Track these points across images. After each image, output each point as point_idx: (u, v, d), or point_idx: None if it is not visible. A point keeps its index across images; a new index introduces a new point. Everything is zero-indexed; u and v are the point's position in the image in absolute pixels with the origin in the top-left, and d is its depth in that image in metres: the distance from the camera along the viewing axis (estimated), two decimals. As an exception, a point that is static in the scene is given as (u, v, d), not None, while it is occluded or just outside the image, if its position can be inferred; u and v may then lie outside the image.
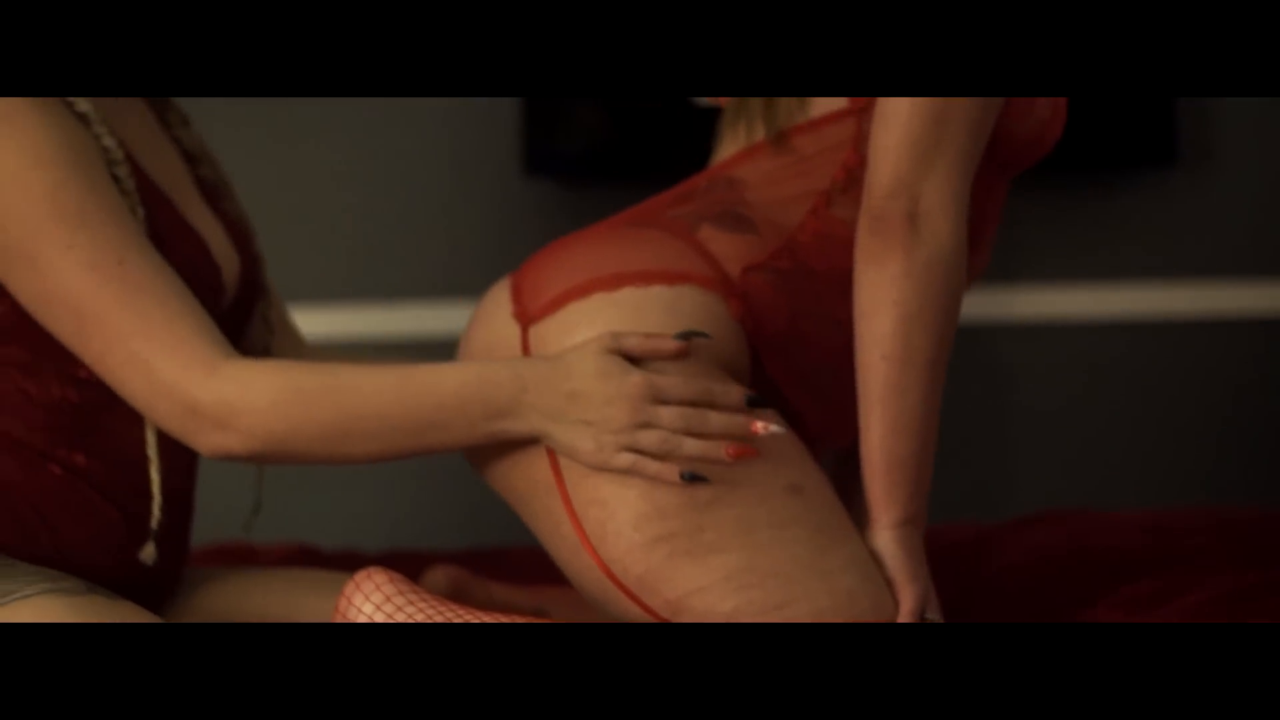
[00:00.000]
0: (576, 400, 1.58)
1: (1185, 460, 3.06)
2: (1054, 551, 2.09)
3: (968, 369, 2.92)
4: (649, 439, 1.57)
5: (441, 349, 2.96)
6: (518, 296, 1.68)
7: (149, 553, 1.72)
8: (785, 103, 1.71)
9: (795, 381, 1.68)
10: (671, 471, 1.56)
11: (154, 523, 1.73)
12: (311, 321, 2.85)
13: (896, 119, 1.59)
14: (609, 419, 1.57)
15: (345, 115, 3.04)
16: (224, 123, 2.90)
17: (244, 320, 1.86)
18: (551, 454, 1.60)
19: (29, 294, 1.63)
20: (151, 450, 1.73)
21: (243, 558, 2.31)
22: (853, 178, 1.67)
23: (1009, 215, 2.80)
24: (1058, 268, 3.06)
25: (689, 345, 1.60)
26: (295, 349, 2.02)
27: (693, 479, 1.55)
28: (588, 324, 1.62)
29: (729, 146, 1.80)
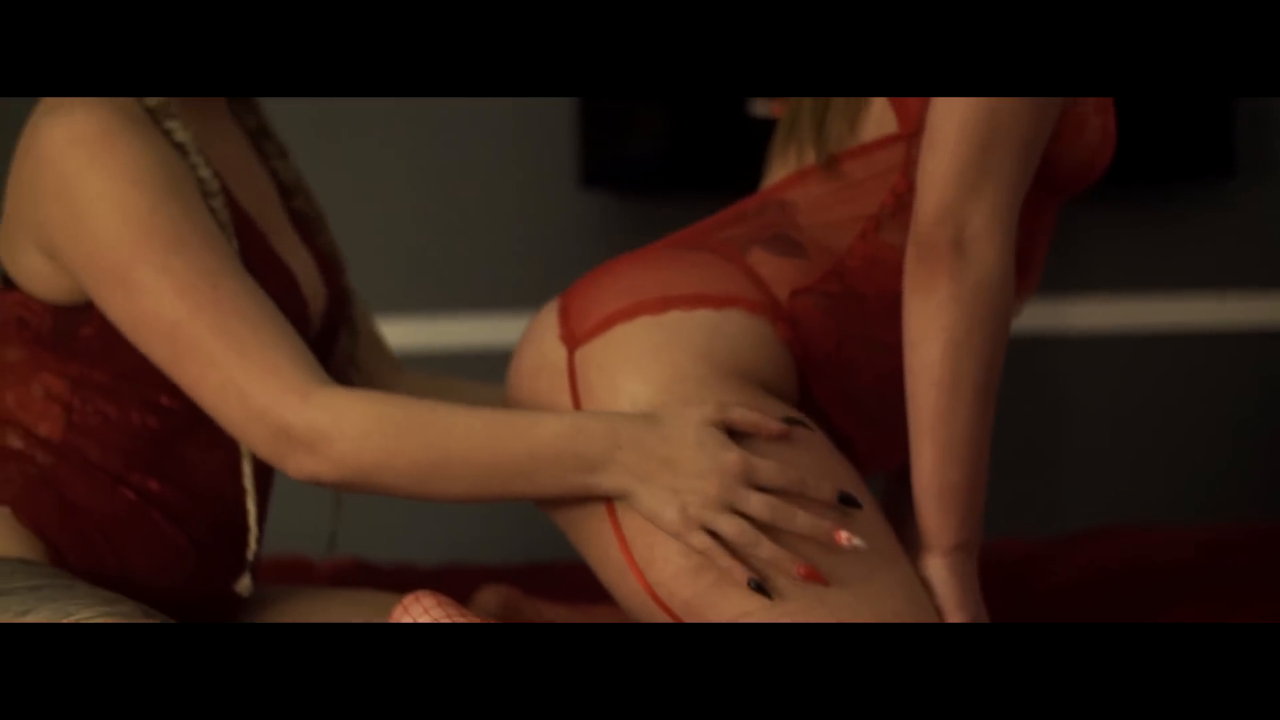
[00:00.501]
0: (670, 467, 1.55)
1: (1242, 474, 3.04)
2: (1107, 568, 2.08)
3: (1021, 381, 2.91)
4: (730, 527, 1.54)
5: (498, 361, 2.98)
6: (565, 319, 1.69)
7: (245, 585, 1.74)
8: (836, 127, 1.72)
9: (843, 405, 1.68)
10: (740, 573, 1.54)
11: (250, 554, 1.74)
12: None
13: (944, 145, 1.59)
14: (698, 491, 1.55)
15: (401, 126, 3.05)
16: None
17: (327, 354, 1.87)
18: None
19: (123, 316, 1.63)
20: (248, 481, 1.74)
21: (299, 572, 2.32)
22: (901, 203, 1.67)
23: (1063, 226, 2.80)
24: (1113, 279, 3.04)
25: (791, 430, 1.59)
26: (391, 372, 2.02)
27: (758, 587, 1.54)
28: (633, 346, 1.63)
29: (779, 170, 1.80)
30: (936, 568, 1.61)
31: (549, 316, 1.72)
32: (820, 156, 1.72)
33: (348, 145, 3.06)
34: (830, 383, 1.67)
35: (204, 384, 1.61)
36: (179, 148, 1.68)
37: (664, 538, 1.57)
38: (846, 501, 1.57)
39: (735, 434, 1.58)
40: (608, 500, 1.59)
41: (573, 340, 1.66)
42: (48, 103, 1.67)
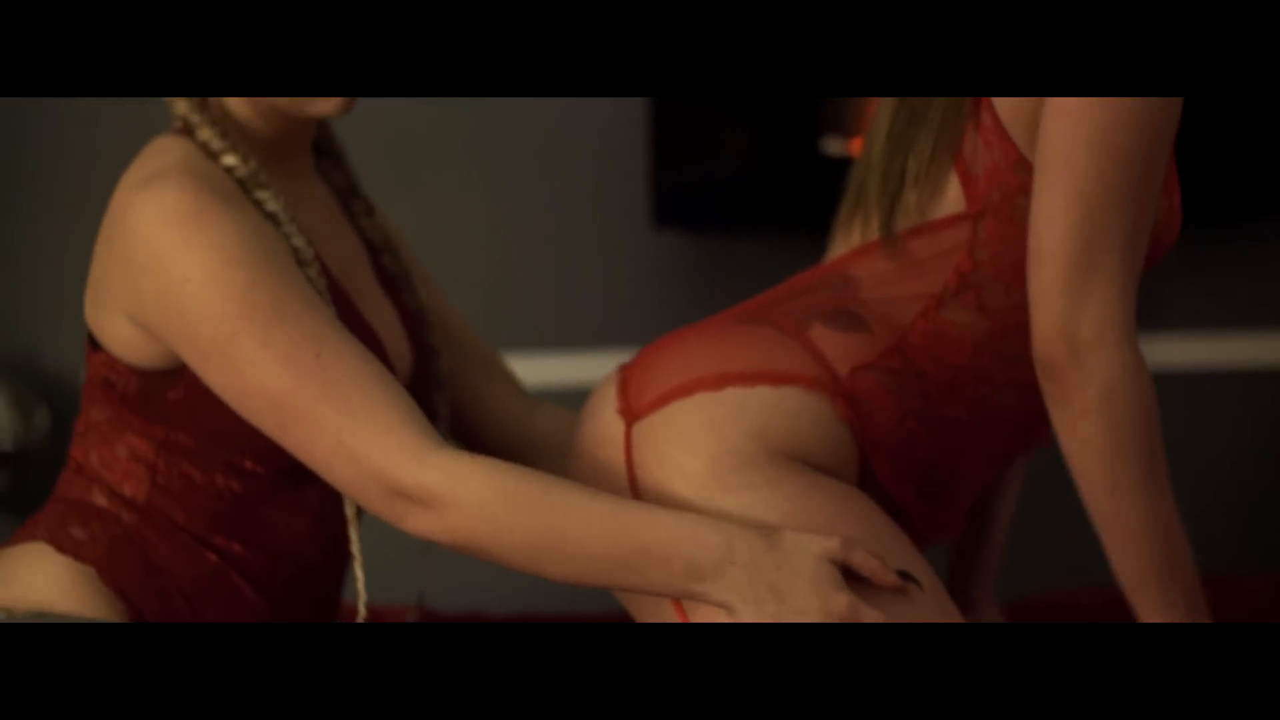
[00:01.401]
0: (778, 595, 1.53)
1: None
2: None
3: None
4: None
5: (573, 400, 2.96)
6: (624, 393, 1.69)
7: None
8: (903, 205, 1.71)
9: (903, 480, 1.68)
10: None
11: (360, 618, 1.74)
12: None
13: (1047, 257, 1.58)
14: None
15: (472, 162, 3.06)
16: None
17: None
18: None
19: (227, 389, 1.63)
20: (355, 548, 1.73)
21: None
22: (965, 282, 1.67)
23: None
24: (1191, 316, 3.00)
25: (906, 586, 1.57)
26: (524, 411, 2.03)
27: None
28: (688, 421, 1.63)
29: (842, 244, 1.79)
30: None
31: (607, 390, 1.72)
32: (884, 233, 1.71)
33: (423, 186, 3.07)
34: (889, 458, 1.66)
35: (315, 448, 1.60)
36: (271, 217, 1.68)
37: (722, 617, 1.56)
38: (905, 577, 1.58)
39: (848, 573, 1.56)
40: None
41: (630, 414, 1.67)
42: (138, 175, 1.68)
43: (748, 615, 1.53)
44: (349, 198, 1.91)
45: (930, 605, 1.58)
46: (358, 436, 1.58)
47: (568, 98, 2.94)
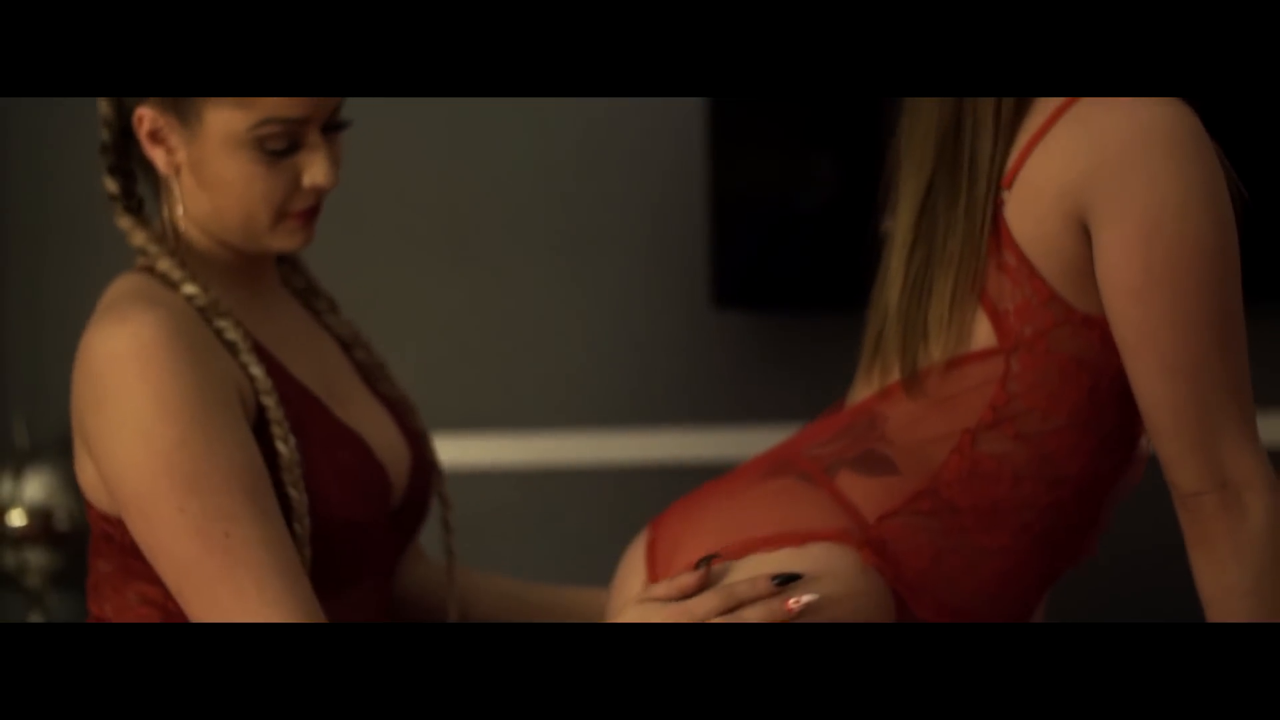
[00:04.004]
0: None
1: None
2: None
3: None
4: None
5: (631, 478, 2.98)
6: (652, 562, 1.71)
7: None
8: (927, 344, 1.69)
9: (947, 617, 1.66)
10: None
11: None
12: (497, 449, 2.88)
13: (1170, 432, 1.59)
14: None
15: (533, 242, 3.04)
16: (417, 250, 2.97)
17: (420, 510, 1.89)
18: None
19: (141, 539, 1.65)
20: None
21: None
22: (999, 415, 1.65)
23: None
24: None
25: (706, 573, 1.62)
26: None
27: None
28: None
29: (863, 389, 1.78)
30: None
31: (635, 558, 1.75)
32: (905, 373, 1.70)
33: (483, 267, 3.06)
34: (929, 598, 1.65)
35: (205, 619, 1.63)
36: (230, 346, 1.71)
37: None
38: (784, 582, 1.60)
39: None
40: None
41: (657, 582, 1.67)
42: (108, 297, 1.72)
43: None
44: (310, 297, 1.94)
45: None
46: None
47: (630, 177, 2.97)
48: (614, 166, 2.97)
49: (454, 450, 2.89)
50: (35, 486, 2.68)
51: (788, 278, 2.93)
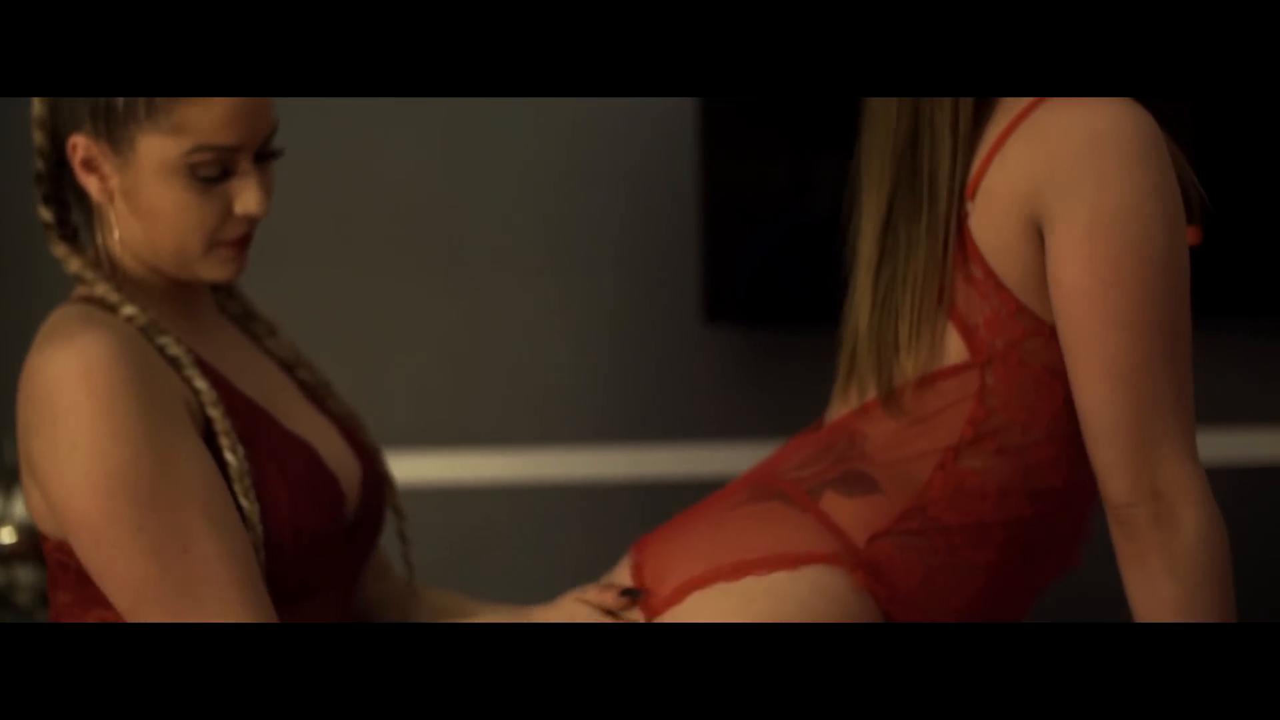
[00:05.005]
0: None
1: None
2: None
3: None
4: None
5: (623, 495, 2.98)
6: (639, 583, 1.70)
7: None
8: (901, 366, 1.69)
9: None
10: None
11: None
12: (487, 465, 2.88)
13: (1107, 437, 1.58)
14: None
15: (523, 256, 3.04)
16: (407, 265, 2.97)
17: (375, 522, 1.90)
18: None
19: (91, 562, 1.66)
20: None
21: None
22: (980, 430, 1.65)
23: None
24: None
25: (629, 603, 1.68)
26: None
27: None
28: (707, 613, 1.64)
29: (840, 405, 1.78)
30: None
31: (623, 578, 1.73)
32: (882, 390, 1.70)
33: (473, 281, 3.06)
34: (920, 616, 1.65)
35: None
36: (173, 362, 1.72)
37: None
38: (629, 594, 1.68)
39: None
40: None
41: (649, 610, 1.68)
42: (47, 325, 1.72)
43: None
44: (248, 322, 1.95)
45: None
46: None
47: (621, 192, 2.97)
48: (605, 181, 2.97)
49: (443, 466, 2.89)
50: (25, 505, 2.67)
51: (779, 293, 2.93)
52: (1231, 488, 2.95)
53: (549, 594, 1.85)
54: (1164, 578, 1.56)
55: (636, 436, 3.00)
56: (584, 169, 2.97)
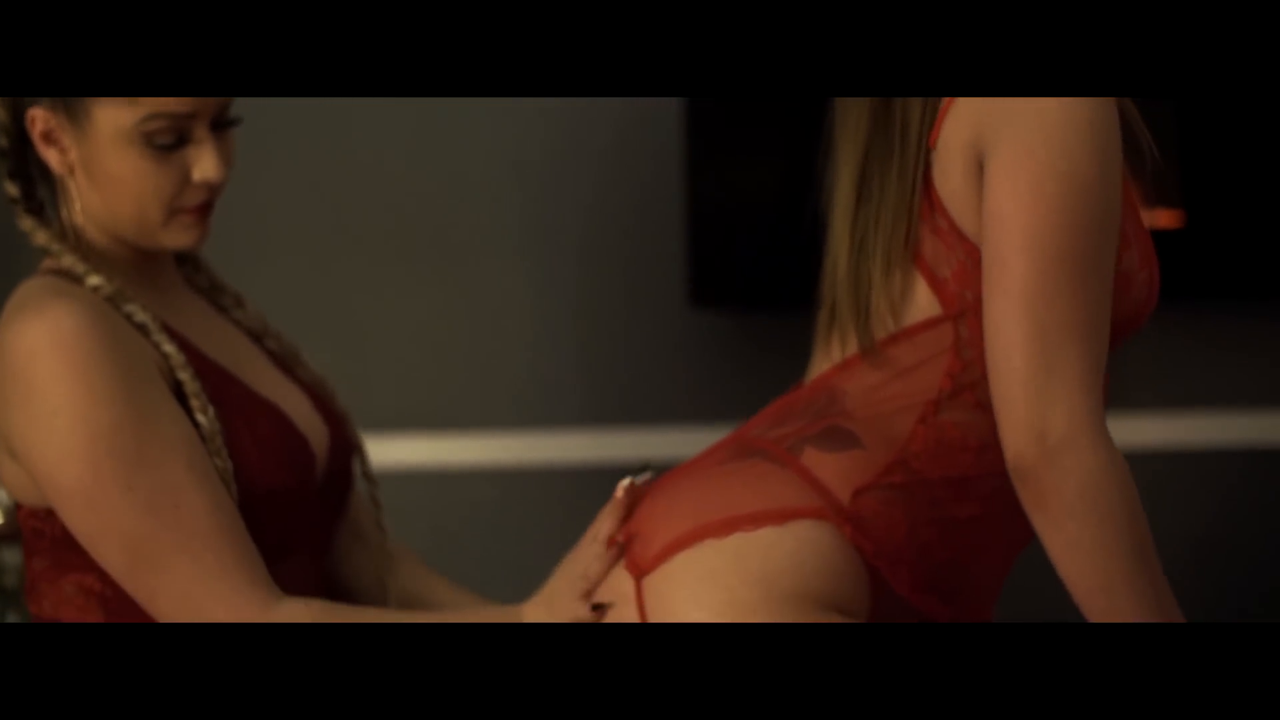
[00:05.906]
0: None
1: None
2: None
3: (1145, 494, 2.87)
4: None
5: (611, 478, 2.97)
6: (629, 546, 1.70)
7: None
8: (878, 313, 1.69)
9: (924, 589, 1.66)
10: None
11: None
12: (473, 449, 2.89)
13: (1005, 361, 1.57)
14: None
15: (508, 240, 3.05)
16: (392, 251, 2.97)
17: (344, 486, 1.92)
18: None
19: (81, 526, 1.69)
20: None
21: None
22: (959, 383, 1.66)
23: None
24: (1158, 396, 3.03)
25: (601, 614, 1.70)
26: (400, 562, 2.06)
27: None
28: (691, 572, 1.64)
29: (822, 361, 1.78)
30: None
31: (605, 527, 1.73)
32: (863, 344, 1.70)
33: (460, 264, 3.07)
34: (905, 570, 1.65)
35: (162, 595, 1.68)
36: (141, 328, 1.74)
37: None
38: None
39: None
40: None
41: (637, 570, 1.68)
42: (15, 299, 1.75)
43: None
44: (215, 294, 1.96)
45: None
46: (208, 590, 1.67)
47: (607, 176, 2.98)
48: (590, 165, 2.97)
49: (430, 450, 2.90)
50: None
51: (764, 277, 2.93)
52: (1236, 470, 3.00)
53: (531, 577, 1.86)
54: (1066, 521, 1.54)
55: (622, 420, 3.01)
56: (569, 153, 2.98)
